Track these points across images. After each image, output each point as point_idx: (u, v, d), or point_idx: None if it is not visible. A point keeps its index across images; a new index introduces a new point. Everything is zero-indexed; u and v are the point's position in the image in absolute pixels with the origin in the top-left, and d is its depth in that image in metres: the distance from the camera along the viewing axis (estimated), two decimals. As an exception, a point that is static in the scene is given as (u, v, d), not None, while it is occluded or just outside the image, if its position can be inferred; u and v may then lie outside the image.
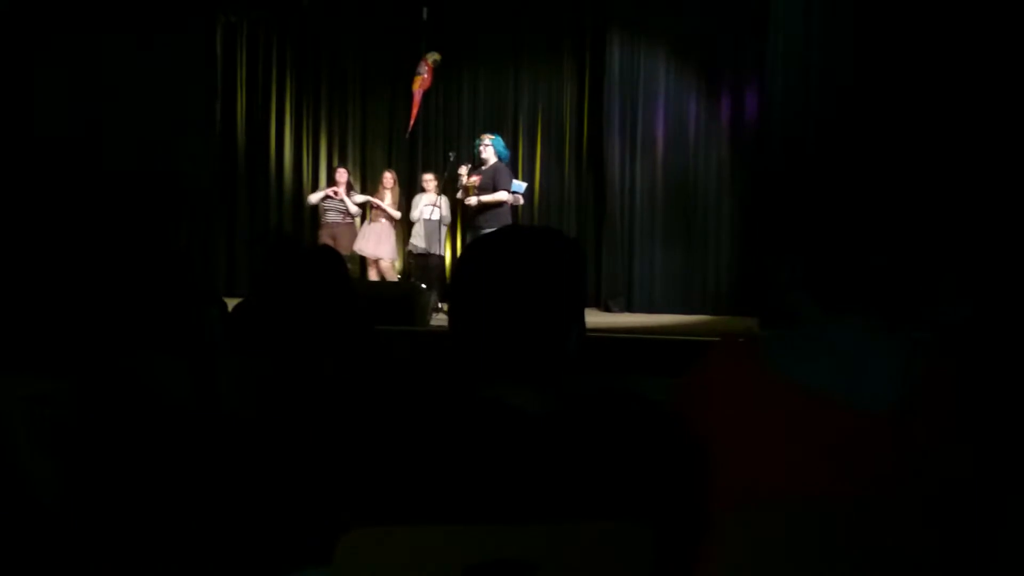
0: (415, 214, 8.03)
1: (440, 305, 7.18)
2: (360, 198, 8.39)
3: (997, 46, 5.39)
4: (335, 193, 8.17)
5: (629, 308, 8.18)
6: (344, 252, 7.21)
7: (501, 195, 7.12)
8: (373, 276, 8.24)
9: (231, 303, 3.06)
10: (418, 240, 8.01)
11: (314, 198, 8.38)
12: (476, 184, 7.17)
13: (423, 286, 7.09)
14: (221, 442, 2.23)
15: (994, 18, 5.42)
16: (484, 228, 6.78)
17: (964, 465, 1.24)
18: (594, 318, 7.19)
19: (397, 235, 8.45)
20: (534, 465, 1.10)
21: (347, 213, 8.21)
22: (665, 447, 1.18)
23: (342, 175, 8.33)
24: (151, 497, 2.10)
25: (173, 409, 2.27)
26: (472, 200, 7.16)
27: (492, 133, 7.70)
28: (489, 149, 7.31)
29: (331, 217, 8.19)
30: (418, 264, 8.22)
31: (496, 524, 1.06)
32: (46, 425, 2.06)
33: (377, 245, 8.21)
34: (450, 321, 1.21)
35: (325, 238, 7.99)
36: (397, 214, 8.24)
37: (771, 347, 1.30)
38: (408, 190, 8.63)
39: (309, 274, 2.58)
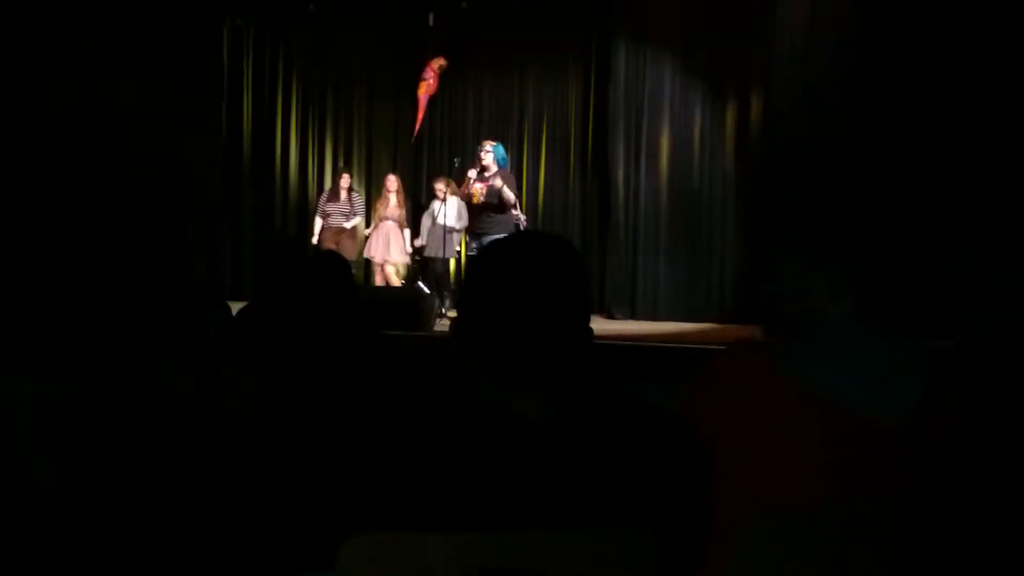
0: (438, 220, 7.95)
1: (443, 310, 7.17)
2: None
3: (1010, 52, 5.36)
4: (339, 199, 8.21)
5: (633, 315, 8.16)
6: (348, 257, 7.20)
7: (511, 199, 7.06)
8: (379, 281, 8.24)
9: (235, 307, 3.07)
10: (419, 242, 8.05)
11: (319, 224, 8.38)
12: (483, 191, 7.14)
13: (426, 290, 7.07)
14: (224, 444, 2.22)
15: (1006, 22, 5.40)
16: (488, 234, 6.78)
17: (972, 476, 1.23)
18: (598, 325, 7.08)
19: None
20: (538, 472, 1.10)
21: (350, 216, 8.22)
22: (669, 453, 1.18)
23: (345, 180, 8.36)
24: (154, 498, 2.10)
25: (177, 410, 2.27)
26: (500, 183, 6.99)
27: (494, 140, 7.68)
28: (490, 155, 7.28)
29: (333, 222, 8.21)
30: (429, 268, 8.21)
31: (500, 531, 1.06)
32: (49, 425, 2.06)
33: (386, 249, 8.22)
34: (457, 326, 1.20)
35: (328, 243, 8.00)
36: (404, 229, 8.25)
37: (783, 354, 1.29)
38: (413, 195, 8.62)
39: (314, 279, 2.58)
